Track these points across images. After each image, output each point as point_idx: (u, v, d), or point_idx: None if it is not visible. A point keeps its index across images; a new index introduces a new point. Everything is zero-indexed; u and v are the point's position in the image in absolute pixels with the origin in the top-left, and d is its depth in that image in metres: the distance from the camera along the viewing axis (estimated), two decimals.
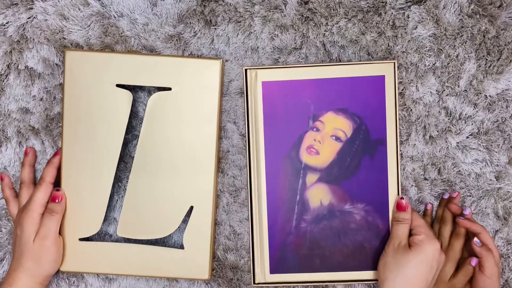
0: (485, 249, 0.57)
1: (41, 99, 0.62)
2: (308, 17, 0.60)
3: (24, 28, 0.61)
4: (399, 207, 0.59)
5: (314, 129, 0.60)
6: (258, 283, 0.61)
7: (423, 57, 0.60)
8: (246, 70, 0.60)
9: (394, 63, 0.59)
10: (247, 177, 0.61)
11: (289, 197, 0.61)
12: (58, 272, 0.64)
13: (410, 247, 0.56)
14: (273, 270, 0.61)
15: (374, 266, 0.61)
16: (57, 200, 0.59)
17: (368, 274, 0.61)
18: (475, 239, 0.57)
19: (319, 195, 0.61)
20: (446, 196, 0.61)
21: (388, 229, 0.60)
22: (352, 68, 0.59)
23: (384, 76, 0.59)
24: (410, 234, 0.58)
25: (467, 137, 0.61)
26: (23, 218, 0.58)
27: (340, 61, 0.61)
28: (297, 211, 0.61)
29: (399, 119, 0.60)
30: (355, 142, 0.60)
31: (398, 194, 0.60)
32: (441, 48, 0.60)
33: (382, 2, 0.59)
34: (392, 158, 0.60)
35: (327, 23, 0.60)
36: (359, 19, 0.60)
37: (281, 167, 0.61)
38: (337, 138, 0.61)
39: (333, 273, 0.61)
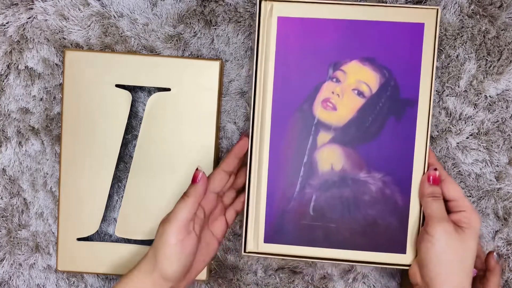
0: (498, 266, 0.53)
1: (41, 99, 0.62)
2: None
3: (24, 28, 0.61)
4: (434, 180, 0.50)
5: (334, 80, 0.52)
6: (249, 252, 0.54)
7: None
8: (260, 1, 0.52)
9: (437, 9, 0.51)
10: (249, 128, 0.54)
11: (295, 156, 0.53)
12: (57, 272, 0.64)
13: (463, 229, 0.48)
14: (267, 239, 0.53)
15: (387, 248, 0.53)
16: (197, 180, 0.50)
17: (378, 256, 0.53)
18: (494, 253, 0.54)
19: (330, 158, 0.52)
20: None
21: (408, 206, 0.52)
22: (387, 11, 0.51)
23: (423, 24, 0.51)
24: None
25: (467, 138, 0.61)
26: None
27: None
28: (302, 174, 0.53)
29: (435, 78, 0.52)
30: (380, 100, 0.52)
31: (425, 167, 0.52)
32: (441, 48, 0.59)
33: (382, 3, 0.59)
34: (423, 123, 0.51)
35: None
36: None
37: (289, 121, 0.52)
38: (360, 93, 0.52)
39: (337, 250, 0.53)
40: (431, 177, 0.50)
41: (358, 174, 0.53)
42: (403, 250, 0.53)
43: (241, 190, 0.57)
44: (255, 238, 0.54)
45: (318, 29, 0.52)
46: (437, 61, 0.52)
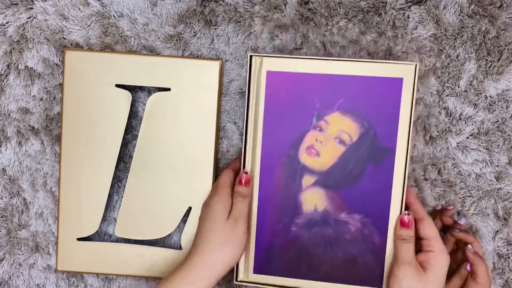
0: (477, 257, 0.56)
1: (41, 99, 0.62)
2: (308, 17, 0.60)
3: (24, 28, 0.61)
4: (403, 223, 0.54)
5: (318, 129, 0.56)
6: (240, 281, 0.58)
7: (423, 57, 0.60)
8: (251, 56, 0.56)
9: (416, 65, 0.54)
10: (241, 168, 0.58)
11: (282, 197, 0.57)
12: (57, 272, 0.64)
13: (425, 269, 0.52)
14: (257, 270, 0.58)
15: (365, 282, 0.57)
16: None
17: None
18: (469, 246, 0.57)
19: (314, 200, 0.57)
20: (438, 208, 0.61)
21: (385, 245, 0.56)
22: (368, 66, 0.54)
23: (402, 79, 0.54)
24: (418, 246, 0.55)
25: (467, 138, 0.61)
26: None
27: None
28: (288, 212, 0.57)
29: (413, 129, 0.56)
30: (360, 148, 0.56)
31: (402, 210, 0.56)
32: (441, 48, 0.59)
33: (382, 2, 0.59)
34: (400, 169, 0.55)
35: (327, 23, 0.60)
36: (359, 19, 0.60)
37: (277, 165, 0.57)
38: (341, 141, 0.56)
39: (320, 283, 0.57)
40: (403, 221, 0.54)
41: (340, 215, 0.57)
42: (379, 285, 0.57)
43: None
44: (245, 269, 0.58)
45: (304, 82, 0.56)
46: (415, 113, 0.55)
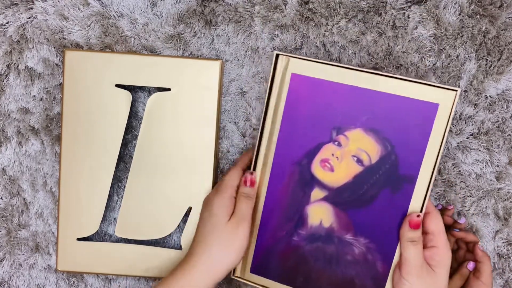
0: (484, 255, 0.57)
1: (41, 99, 0.62)
2: (308, 17, 0.60)
3: (24, 28, 0.61)
4: (413, 225, 0.50)
5: (336, 143, 0.53)
6: (236, 276, 0.58)
7: (423, 57, 0.60)
8: (277, 55, 0.52)
9: (457, 92, 0.48)
10: (251, 167, 0.57)
11: (289, 205, 0.55)
12: (57, 272, 0.64)
13: (432, 266, 0.50)
14: (253, 270, 0.57)
15: None
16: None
17: None
18: (479, 243, 0.57)
19: (320, 214, 0.54)
20: (439, 207, 0.61)
21: (387, 274, 0.53)
22: (402, 85, 0.49)
23: (438, 105, 0.49)
24: None
25: (468, 138, 0.61)
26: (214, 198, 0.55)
27: (340, 62, 0.60)
28: (293, 222, 0.55)
29: (440, 161, 0.50)
30: (378, 171, 0.52)
31: None
32: (441, 48, 0.59)
33: (383, 2, 0.59)
34: (418, 201, 0.50)
35: (327, 23, 0.60)
36: (359, 19, 0.60)
37: (288, 171, 0.54)
38: (359, 161, 0.52)
39: None
40: (414, 223, 0.50)
41: (345, 235, 0.54)
42: None
43: None
44: (243, 266, 0.58)
45: (329, 92, 0.52)
46: (445, 144, 0.50)
